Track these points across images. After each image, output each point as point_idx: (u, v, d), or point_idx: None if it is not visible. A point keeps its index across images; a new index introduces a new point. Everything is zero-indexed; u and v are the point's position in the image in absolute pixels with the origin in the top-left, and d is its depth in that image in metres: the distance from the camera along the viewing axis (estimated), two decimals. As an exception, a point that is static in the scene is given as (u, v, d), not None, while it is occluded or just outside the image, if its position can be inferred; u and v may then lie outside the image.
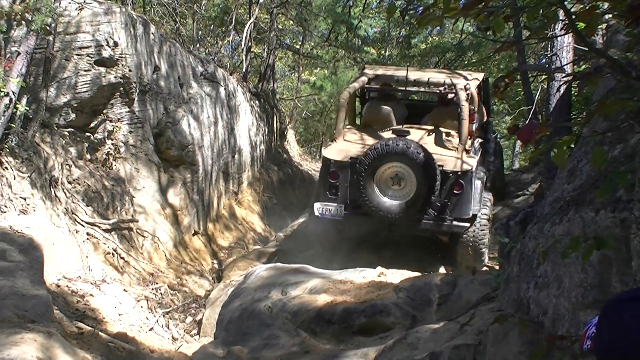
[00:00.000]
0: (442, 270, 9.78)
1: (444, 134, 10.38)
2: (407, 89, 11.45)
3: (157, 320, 8.80)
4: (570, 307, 3.91)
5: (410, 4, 3.61)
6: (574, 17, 2.48)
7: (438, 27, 29.35)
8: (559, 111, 8.01)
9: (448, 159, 9.79)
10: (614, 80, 4.02)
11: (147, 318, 8.73)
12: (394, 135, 10.10)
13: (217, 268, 11.78)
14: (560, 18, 3.07)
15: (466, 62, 28.20)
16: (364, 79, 11.31)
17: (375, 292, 7.59)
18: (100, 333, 7.10)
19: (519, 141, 22.50)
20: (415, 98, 13.08)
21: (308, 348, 7.04)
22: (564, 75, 7.38)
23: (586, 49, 7.63)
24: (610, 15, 2.71)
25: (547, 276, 4.26)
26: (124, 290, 8.85)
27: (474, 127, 10.59)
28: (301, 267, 9.20)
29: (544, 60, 19.78)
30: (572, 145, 4.28)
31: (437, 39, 34.02)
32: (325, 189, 10.29)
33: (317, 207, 10.13)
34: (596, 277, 3.72)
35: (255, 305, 7.78)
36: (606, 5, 3.13)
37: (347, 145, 10.45)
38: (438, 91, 11.09)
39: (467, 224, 9.72)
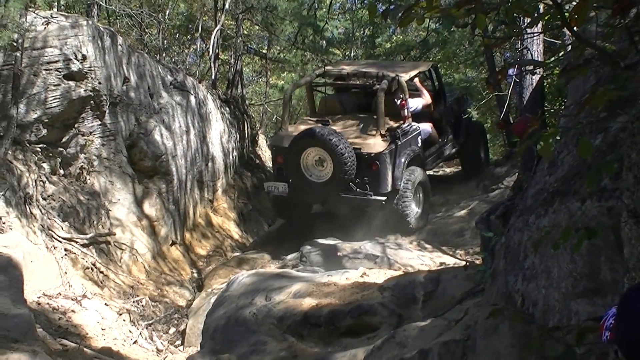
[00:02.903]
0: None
1: (371, 121, 12.17)
2: (348, 81, 13.32)
3: (140, 333, 8.76)
4: (561, 297, 3.93)
5: (392, 4, 3.62)
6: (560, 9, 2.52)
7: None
8: (533, 104, 8.07)
9: (365, 143, 11.66)
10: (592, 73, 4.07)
11: (130, 331, 8.69)
12: (318, 125, 11.88)
13: (196, 277, 11.72)
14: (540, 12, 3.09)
15: (431, 59, 28.37)
16: (313, 75, 13.76)
17: (359, 292, 7.61)
18: (84, 349, 7.07)
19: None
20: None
21: (296, 352, 7.04)
22: (544, 69, 7.45)
23: (557, 41, 7.66)
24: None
25: (535, 268, 4.29)
26: (105, 304, 8.80)
27: (407, 112, 12.24)
28: (283, 271, 9.21)
29: (508, 54, 19.89)
30: (558, 138, 4.32)
31: (401, 37, 34.15)
32: (274, 168, 12.75)
33: (267, 185, 12.62)
34: (585, 266, 3.75)
35: (240, 313, 7.76)
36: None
37: (292, 133, 12.12)
38: (370, 83, 13.02)
39: (384, 198, 11.52)
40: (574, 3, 2.81)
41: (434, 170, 17.06)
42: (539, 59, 8.05)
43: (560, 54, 5.02)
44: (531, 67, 7.38)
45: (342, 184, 11.41)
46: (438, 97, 13.84)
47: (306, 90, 14.06)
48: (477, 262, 8.41)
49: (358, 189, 11.49)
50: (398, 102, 12.31)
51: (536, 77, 8.05)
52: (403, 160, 11.83)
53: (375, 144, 11.62)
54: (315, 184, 11.58)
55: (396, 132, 11.89)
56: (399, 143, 11.82)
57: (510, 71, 12.50)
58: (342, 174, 11.25)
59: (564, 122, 4.08)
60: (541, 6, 3.11)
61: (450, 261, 9.61)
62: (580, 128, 3.45)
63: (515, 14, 3.11)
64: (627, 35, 2.64)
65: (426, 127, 12.99)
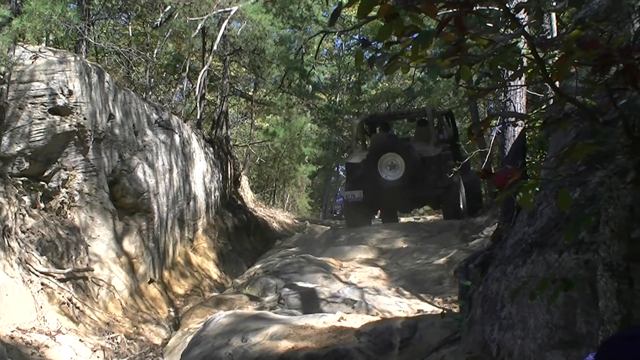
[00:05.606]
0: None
1: (421, 137, 16.59)
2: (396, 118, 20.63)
3: (114, 371, 8.68)
4: (536, 348, 3.96)
5: (379, 52, 3.70)
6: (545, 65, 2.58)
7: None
8: (514, 155, 8.15)
9: (424, 149, 15.58)
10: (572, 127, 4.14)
11: (104, 368, 8.61)
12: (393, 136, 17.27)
13: (173, 316, 11.64)
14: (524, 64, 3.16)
15: (416, 107, 28.68)
16: (367, 116, 19.53)
17: (336, 337, 7.57)
18: (57, 385, 6.99)
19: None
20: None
21: (270, 395, 6.98)
22: (526, 121, 7.54)
23: (540, 94, 7.76)
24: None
25: (512, 318, 4.31)
26: (80, 340, 8.72)
27: (445, 135, 16.37)
28: (261, 313, 9.16)
29: (491, 106, 20.14)
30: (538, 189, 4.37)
31: (386, 85, 34.47)
32: (349, 182, 16.56)
33: (346, 194, 16.58)
34: (561, 317, 3.78)
35: (216, 353, 7.69)
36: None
37: (360, 154, 16.33)
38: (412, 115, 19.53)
39: (443, 190, 15.42)
40: (557, 58, 2.89)
41: (415, 217, 18.17)
42: (522, 112, 8.15)
43: (543, 107, 5.11)
44: (513, 119, 7.47)
45: (414, 180, 15.01)
46: (453, 140, 17.32)
47: (361, 126, 17.79)
48: (455, 310, 8.41)
49: (424, 185, 15.21)
50: (436, 129, 16.31)
51: (518, 129, 8.13)
52: (448, 163, 15.33)
53: (432, 149, 15.60)
54: (388, 182, 15.25)
55: (441, 143, 15.94)
56: (445, 153, 15.75)
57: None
58: (411, 174, 15.06)
59: (544, 175, 4.14)
60: (525, 60, 3.18)
61: (428, 308, 9.61)
62: (560, 181, 3.51)
63: (499, 67, 3.18)
64: (606, 91, 2.71)
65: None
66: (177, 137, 14.18)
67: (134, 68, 16.67)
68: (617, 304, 2.95)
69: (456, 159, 16.08)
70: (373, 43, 3.45)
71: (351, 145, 18.39)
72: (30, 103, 9.56)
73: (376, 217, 19.43)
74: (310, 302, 10.17)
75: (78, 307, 9.44)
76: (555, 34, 6.32)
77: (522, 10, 3.14)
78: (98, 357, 8.69)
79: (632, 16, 3.03)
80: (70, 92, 9.91)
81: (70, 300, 9.32)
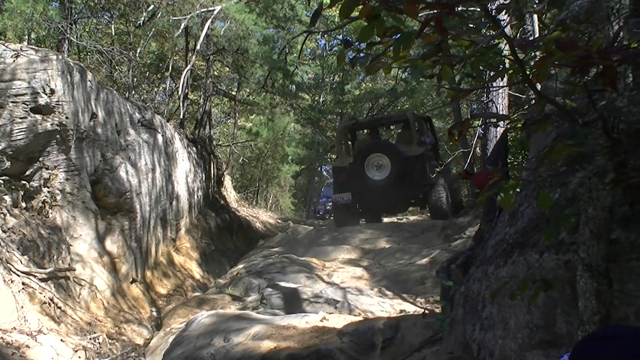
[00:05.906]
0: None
1: (404, 138, 17.21)
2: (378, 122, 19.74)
3: (96, 371, 8.64)
4: (517, 348, 3.97)
5: (361, 52, 3.71)
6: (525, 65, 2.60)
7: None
8: (496, 156, 8.18)
9: (408, 149, 16.18)
10: (552, 127, 4.16)
11: (85, 368, 8.56)
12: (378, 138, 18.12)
13: (156, 316, 11.60)
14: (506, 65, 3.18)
15: (399, 107, 28.75)
16: (349, 123, 20.07)
17: (318, 337, 7.57)
18: (38, 385, 6.95)
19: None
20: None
21: (252, 395, 6.97)
22: (508, 122, 7.58)
23: (522, 95, 7.79)
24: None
25: (493, 318, 4.33)
26: (61, 340, 8.66)
27: (425, 139, 16.69)
28: (243, 313, 9.15)
29: (474, 106, 20.26)
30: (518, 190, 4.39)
31: (370, 85, 34.52)
32: (337, 186, 17.17)
33: (335, 197, 17.18)
34: (542, 318, 3.79)
35: (198, 353, 7.68)
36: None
37: (346, 158, 17.09)
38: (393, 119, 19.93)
39: (428, 187, 16.03)
40: (537, 59, 2.90)
41: (398, 218, 18.34)
42: (504, 112, 8.20)
43: (525, 107, 5.14)
44: (495, 120, 7.50)
45: (399, 179, 15.72)
46: (434, 143, 17.92)
47: (345, 133, 18.56)
48: (438, 310, 8.43)
49: (410, 183, 15.82)
50: (418, 132, 16.78)
51: (500, 130, 8.16)
52: (431, 163, 16.14)
53: (415, 149, 16.23)
54: (376, 182, 15.97)
55: (424, 143, 16.48)
56: (427, 153, 16.42)
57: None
58: (397, 173, 15.75)
59: (525, 175, 4.16)
60: (507, 61, 3.20)
61: (410, 309, 9.63)
62: (540, 182, 3.53)
63: (480, 68, 3.19)
64: (585, 93, 2.73)
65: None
66: (159, 137, 14.14)
67: (116, 67, 16.62)
68: (597, 304, 2.97)
69: (437, 161, 16.67)
70: (356, 43, 3.45)
71: (337, 151, 19.01)
72: (12, 102, 9.50)
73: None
74: (293, 302, 10.17)
75: (59, 307, 9.38)
76: (537, 35, 6.35)
77: (503, 12, 3.15)
78: (79, 357, 8.65)
79: (611, 18, 3.05)
80: (52, 91, 9.86)
81: (51, 300, 9.27)
